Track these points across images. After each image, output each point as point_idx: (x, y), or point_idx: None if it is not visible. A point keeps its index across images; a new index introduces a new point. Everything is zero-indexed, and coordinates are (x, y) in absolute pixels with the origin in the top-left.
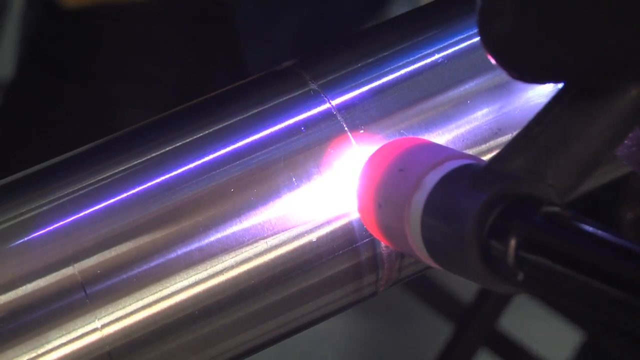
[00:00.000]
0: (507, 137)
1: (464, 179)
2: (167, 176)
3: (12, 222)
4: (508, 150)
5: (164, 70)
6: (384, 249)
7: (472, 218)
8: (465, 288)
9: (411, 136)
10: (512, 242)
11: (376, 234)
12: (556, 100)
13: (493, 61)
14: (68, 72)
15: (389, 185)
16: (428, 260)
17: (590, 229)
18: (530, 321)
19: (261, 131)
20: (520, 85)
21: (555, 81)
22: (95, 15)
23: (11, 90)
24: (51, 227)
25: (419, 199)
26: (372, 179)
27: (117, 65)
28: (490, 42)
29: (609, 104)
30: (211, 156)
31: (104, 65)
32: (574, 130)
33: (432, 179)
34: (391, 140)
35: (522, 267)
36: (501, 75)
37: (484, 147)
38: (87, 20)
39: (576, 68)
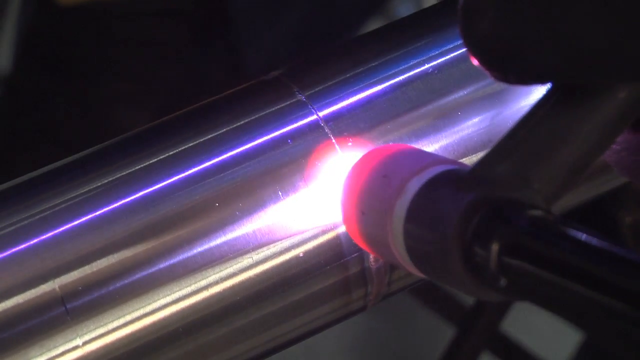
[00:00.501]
0: None
1: (448, 183)
2: (150, 189)
3: None
4: (493, 154)
5: (162, 68)
6: (372, 263)
7: (454, 222)
8: None
9: (396, 143)
10: (495, 247)
11: (360, 243)
12: (542, 103)
13: (475, 62)
14: (64, 69)
15: (372, 192)
16: (412, 269)
17: (574, 233)
18: (533, 323)
19: (247, 143)
20: (512, 95)
21: (541, 82)
22: (91, 12)
23: (6, 87)
24: (31, 242)
25: (402, 205)
26: (355, 187)
27: (114, 63)
28: (472, 42)
29: (596, 106)
30: (195, 169)
31: (100, 62)
32: (561, 132)
33: (415, 184)
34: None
35: (505, 273)
36: (492, 85)
37: (474, 158)
38: (84, 18)
39: (562, 68)
